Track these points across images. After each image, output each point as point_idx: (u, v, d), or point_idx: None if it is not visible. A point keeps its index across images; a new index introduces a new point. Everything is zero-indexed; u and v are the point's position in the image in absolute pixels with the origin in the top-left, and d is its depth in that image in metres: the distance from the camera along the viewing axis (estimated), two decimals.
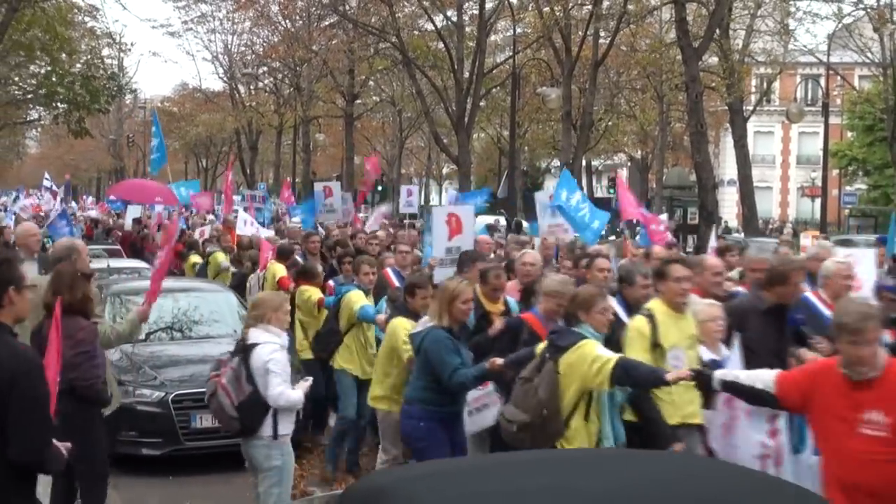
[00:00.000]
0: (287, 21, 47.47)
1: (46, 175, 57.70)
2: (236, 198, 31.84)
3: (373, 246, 14.68)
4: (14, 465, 4.75)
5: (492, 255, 13.71)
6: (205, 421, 10.54)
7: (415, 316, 8.75)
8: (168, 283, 15.41)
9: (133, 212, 30.97)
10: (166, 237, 10.32)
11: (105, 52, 43.03)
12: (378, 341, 10.31)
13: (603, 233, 16.29)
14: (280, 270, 13.34)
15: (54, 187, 41.38)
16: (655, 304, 7.94)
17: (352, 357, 10.72)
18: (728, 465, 4.49)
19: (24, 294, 5.06)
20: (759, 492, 4.23)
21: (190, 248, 19.68)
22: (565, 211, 14.15)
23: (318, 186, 24.48)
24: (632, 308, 8.49)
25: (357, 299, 10.55)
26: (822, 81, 39.88)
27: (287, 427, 8.00)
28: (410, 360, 8.60)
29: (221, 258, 17.49)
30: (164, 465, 10.47)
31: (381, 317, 10.02)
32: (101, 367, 7.63)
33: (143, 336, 11.94)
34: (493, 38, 40.97)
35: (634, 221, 19.27)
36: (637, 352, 7.45)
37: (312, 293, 11.68)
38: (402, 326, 8.88)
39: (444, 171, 66.15)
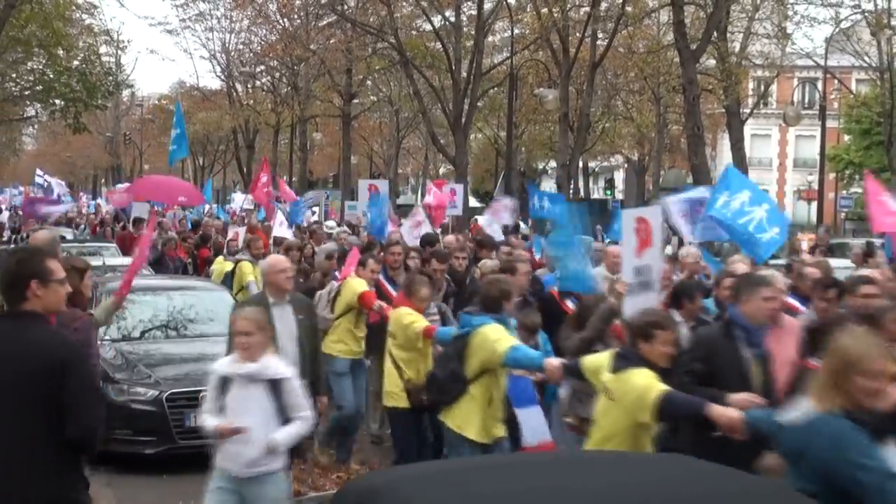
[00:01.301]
0: (285, 20, 47.43)
1: (38, 171, 57.66)
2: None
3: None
4: (71, 443, 5.04)
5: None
6: (199, 420, 10.51)
7: (649, 365, 6.47)
8: (162, 281, 15.53)
9: (139, 209, 26.75)
10: (142, 240, 10.62)
11: (102, 49, 43.05)
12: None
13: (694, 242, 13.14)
14: (360, 285, 11.03)
15: (47, 181, 41.35)
16: None
17: (343, 339, 11.00)
18: (721, 469, 4.48)
19: (50, 287, 5.21)
20: (752, 494, 4.23)
21: (217, 252, 18.10)
22: (722, 221, 11.79)
23: (364, 185, 23.59)
24: None
25: (498, 337, 7.88)
26: (820, 85, 39.95)
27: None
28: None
29: (248, 270, 14.69)
30: (158, 463, 10.45)
31: (553, 365, 7.58)
32: (97, 357, 8.04)
33: (137, 334, 11.98)
34: (490, 38, 41.00)
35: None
36: None
37: (416, 319, 9.23)
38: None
39: (441, 171, 66.02)
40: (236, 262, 15.39)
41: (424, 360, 9.25)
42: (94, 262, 16.78)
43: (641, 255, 8.42)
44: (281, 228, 18.82)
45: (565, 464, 4.68)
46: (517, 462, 4.95)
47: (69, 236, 25.82)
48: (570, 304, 10.03)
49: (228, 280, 15.12)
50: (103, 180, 78.51)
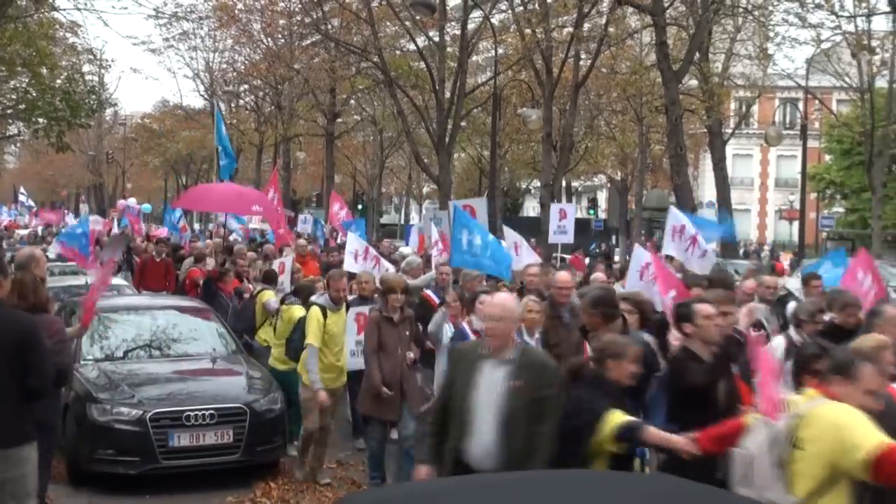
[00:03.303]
0: (269, 39, 47.49)
1: (22, 189, 57.47)
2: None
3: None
4: (30, 391, 6.95)
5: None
6: (182, 440, 10.50)
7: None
8: (146, 300, 15.49)
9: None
10: (104, 269, 11.16)
11: (86, 68, 43.01)
12: None
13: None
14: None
15: (29, 202, 41.24)
16: None
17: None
18: (709, 490, 4.50)
19: (7, 280, 7.53)
20: None
21: (267, 279, 14.57)
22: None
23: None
24: None
25: None
26: (801, 105, 40.15)
27: None
28: None
29: (269, 296, 13.66)
30: (142, 483, 10.42)
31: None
32: (72, 355, 9.54)
33: (121, 354, 11.95)
34: (474, 58, 41.08)
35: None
36: None
37: None
38: None
39: (425, 190, 66.15)
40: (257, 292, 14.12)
41: None
42: (77, 280, 16.85)
43: None
44: (357, 263, 15.43)
45: (548, 484, 4.69)
46: (498, 483, 4.95)
47: (52, 255, 25.73)
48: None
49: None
50: (83, 198, 78.02)
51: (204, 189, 23.69)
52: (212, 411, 10.66)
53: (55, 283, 15.99)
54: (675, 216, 15.04)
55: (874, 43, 34.61)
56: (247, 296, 14.88)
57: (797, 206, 41.94)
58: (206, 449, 10.65)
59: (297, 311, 12.07)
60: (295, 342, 11.56)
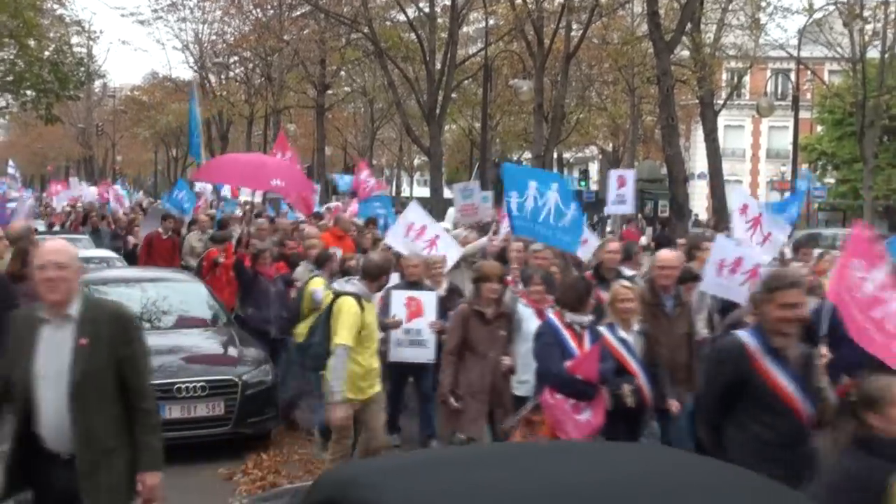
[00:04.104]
0: (258, 10, 47.19)
1: (11, 162, 57.16)
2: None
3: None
4: None
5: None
6: (174, 412, 10.47)
7: None
8: (136, 272, 15.40)
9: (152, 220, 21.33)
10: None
11: (74, 39, 42.69)
12: None
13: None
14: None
15: (18, 175, 40.91)
16: None
17: None
18: (702, 459, 4.49)
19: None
20: (734, 485, 4.23)
21: (319, 262, 12.36)
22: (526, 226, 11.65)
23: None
24: None
25: None
26: (793, 76, 40.05)
27: None
28: None
29: (319, 285, 11.37)
30: None
31: None
32: None
33: None
34: (465, 29, 40.90)
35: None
36: None
37: None
38: None
39: (416, 162, 66.07)
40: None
41: None
42: None
43: None
44: (407, 234, 13.09)
45: (546, 454, 4.67)
46: (496, 452, 4.93)
47: (42, 228, 25.67)
48: None
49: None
50: (72, 171, 77.78)
51: (227, 159, 19.92)
52: (203, 383, 10.64)
53: None
54: (741, 195, 13.52)
55: (866, 12, 34.51)
56: (298, 285, 12.36)
57: (788, 177, 41.94)
58: (198, 421, 10.63)
59: (318, 282, 11.09)
60: (315, 347, 8.95)
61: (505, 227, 13.07)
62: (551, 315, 8.22)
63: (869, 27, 35.39)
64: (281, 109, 49.68)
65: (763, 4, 34.66)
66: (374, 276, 9.05)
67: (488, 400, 8.88)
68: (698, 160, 56.74)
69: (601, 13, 32.58)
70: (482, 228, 16.40)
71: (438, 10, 36.61)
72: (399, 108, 37.56)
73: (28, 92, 34.22)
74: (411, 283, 10.79)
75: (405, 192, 64.74)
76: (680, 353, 8.98)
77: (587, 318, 7.99)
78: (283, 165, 16.27)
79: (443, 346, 9.75)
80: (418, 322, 10.49)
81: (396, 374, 10.89)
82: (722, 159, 33.14)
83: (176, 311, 12.46)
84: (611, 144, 51.54)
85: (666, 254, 9.67)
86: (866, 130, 36.08)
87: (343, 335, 8.52)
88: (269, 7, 46.64)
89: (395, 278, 10.71)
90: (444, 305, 10.69)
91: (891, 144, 48.64)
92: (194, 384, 10.59)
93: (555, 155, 43.42)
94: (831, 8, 34.27)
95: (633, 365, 8.00)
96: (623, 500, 3.87)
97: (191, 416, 10.57)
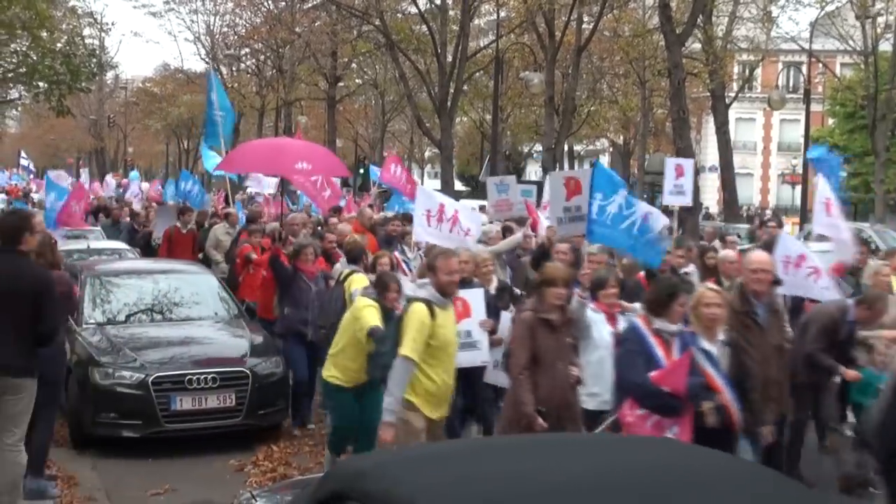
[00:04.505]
0: (270, 2, 47.31)
1: (23, 154, 57.29)
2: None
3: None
4: (40, 335, 7.94)
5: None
6: (185, 403, 10.52)
7: None
8: (148, 264, 15.43)
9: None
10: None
11: (86, 31, 42.76)
12: None
13: None
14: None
15: (31, 167, 40.94)
16: None
17: None
18: (708, 451, 4.52)
19: (35, 236, 8.36)
20: (738, 477, 4.26)
21: (351, 257, 11.40)
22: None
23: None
24: None
25: None
26: (804, 69, 39.96)
27: None
28: None
29: (362, 283, 10.33)
30: (144, 447, 10.45)
31: None
32: (75, 298, 10.59)
33: (123, 318, 11.95)
34: (476, 21, 40.92)
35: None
36: None
37: None
38: None
39: (427, 154, 66.07)
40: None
41: None
42: (79, 245, 16.84)
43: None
44: (429, 223, 12.31)
45: (551, 446, 4.70)
46: (504, 444, 4.96)
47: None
48: None
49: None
50: (83, 163, 77.93)
51: (247, 147, 18.27)
52: (214, 375, 10.68)
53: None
54: (823, 190, 12.70)
55: (879, 5, 34.43)
56: (332, 282, 11.52)
57: (800, 170, 41.86)
58: (209, 412, 10.67)
59: (360, 280, 10.09)
60: (384, 357, 8.02)
61: (546, 223, 12.69)
62: (637, 320, 7.53)
63: (881, 20, 35.31)
64: (292, 102, 49.75)
65: None
66: (354, 256, 8.86)
67: (557, 416, 7.90)
68: (709, 153, 56.66)
69: (612, 6, 32.60)
70: (519, 223, 15.41)
71: (450, 2, 36.63)
72: (410, 100, 37.60)
73: (40, 84, 34.25)
74: (462, 282, 9.53)
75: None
76: (771, 367, 7.95)
77: (676, 327, 7.26)
78: (305, 146, 15.01)
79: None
80: (467, 323, 9.58)
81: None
82: (733, 152, 33.15)
83: (187, 303, 12.48)
84: (621, 137, 51.48)
85: (759, 255, 8.56)
86: (878, 123, 36.03)
87: (407, 346, 7.64)
88: None
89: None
90: (495, 304, 10.05)
91: None
92: (205, 376, 10.62)
93: (565, 147, 43.40)
94: (843, 0, 34.17)
95: (718, 380, 7.16)
96: (628, 492, 3.91)
97: (202, 407, 10.61)
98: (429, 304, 7.71)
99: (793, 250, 10.06)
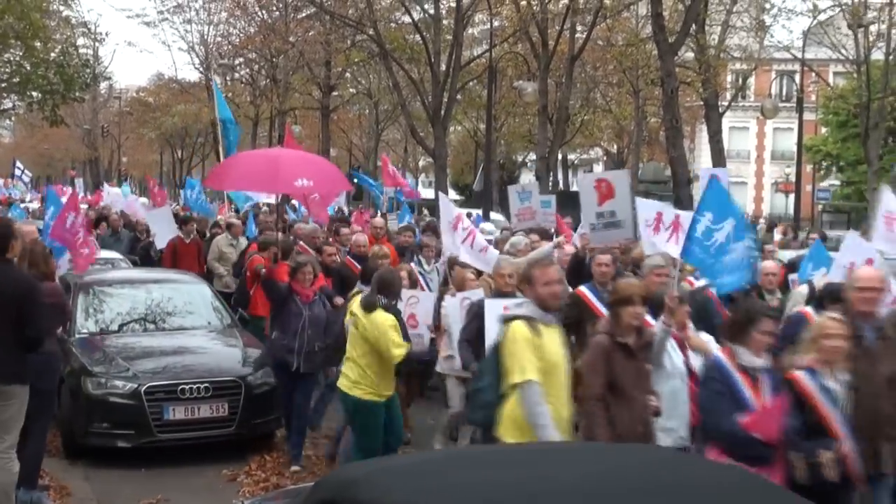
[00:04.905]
0: (264, 12, 47.29)
1: (18, 164, 57.20)
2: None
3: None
4: (27, 340, 7.93)
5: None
6: (177, 413, 10.50)
7: None
8: (140, 273, 15.41)
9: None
10: None
11: (80, 41, 42.81)
12: None
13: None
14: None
15: (25, 176, 40.81)
16: None
17: None
18: (698, 459, 4.51)
19: (18, 242, 8.36)
20: (728, 485, 4.26)
21: (363, 276, 10.71)
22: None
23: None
24: None
25: None
26: (797, 78, 40.05)
27: None
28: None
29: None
30: (137, 457, 10.43)
31: None
32: (68, 308, 10.63)
33: (115, 327, 11.93)
34: (469, 31, 40.95)
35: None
36: None
37: None
38: None
39: (421, 163, 66.12)
40: None
41: None
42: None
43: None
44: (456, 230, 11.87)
45: (543, 454, 4.69)
46: (496, 453, 4.96)
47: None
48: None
49: None
50: (75, 172, 77.84)
51: (236, 161, 15.34)
52: (206, 384, 10.66)
53: None
54: (888, 204, 11.29)
55: (871, 14, 34.51)
56: (339, 302, 10.97)
57: (793, 178, 41.92)
58: (201, 422, 10.65)
59: (382, 317, 8.85)
60: (485, 394, 6.93)
61: (581, 232, 12.16)
62: (720, 354, 6.74)
63: (874, 29, 35.39)
64: (286, 111, 49.72)
65: (767, 6, 34.73)
66: (384, 284, 8.85)
67: None
68: (703, 162, 56.69)
69: (605, 15, 32.63)
70: (543, 233, 15.02)
71: (443, 11, 36.65)
72: (404, 109, 37.61)
73: (34, 93, 34.30)
74: (502, 294, 9.40)
75: None
76: (883, 401, 6.67)
77: (762, 361, 6.55)
78: (303, 158, 13.06)
79: None
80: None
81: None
82: (727, 161, 33.15)
83: (180, 312, 12.47)
84: (615, 146, 51.58)
85: (868, 272, 7.60)
86: (871, 132, 36.06)
87: (518, 370, 6.50)
88: (274, 9, 46.74)
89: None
90: None
91: (895, 146, 48.62)
92: (198, 385, 10.61)
93: (559, 156, 43.46)
94: (836, 10, 34.25)
95: (838, 424, 6.36)
96: (621, 498, 3.91)
97: (194, 417, 10.59)
98: (530, 321, 6.64)
99: (859, 256, 9.50)
